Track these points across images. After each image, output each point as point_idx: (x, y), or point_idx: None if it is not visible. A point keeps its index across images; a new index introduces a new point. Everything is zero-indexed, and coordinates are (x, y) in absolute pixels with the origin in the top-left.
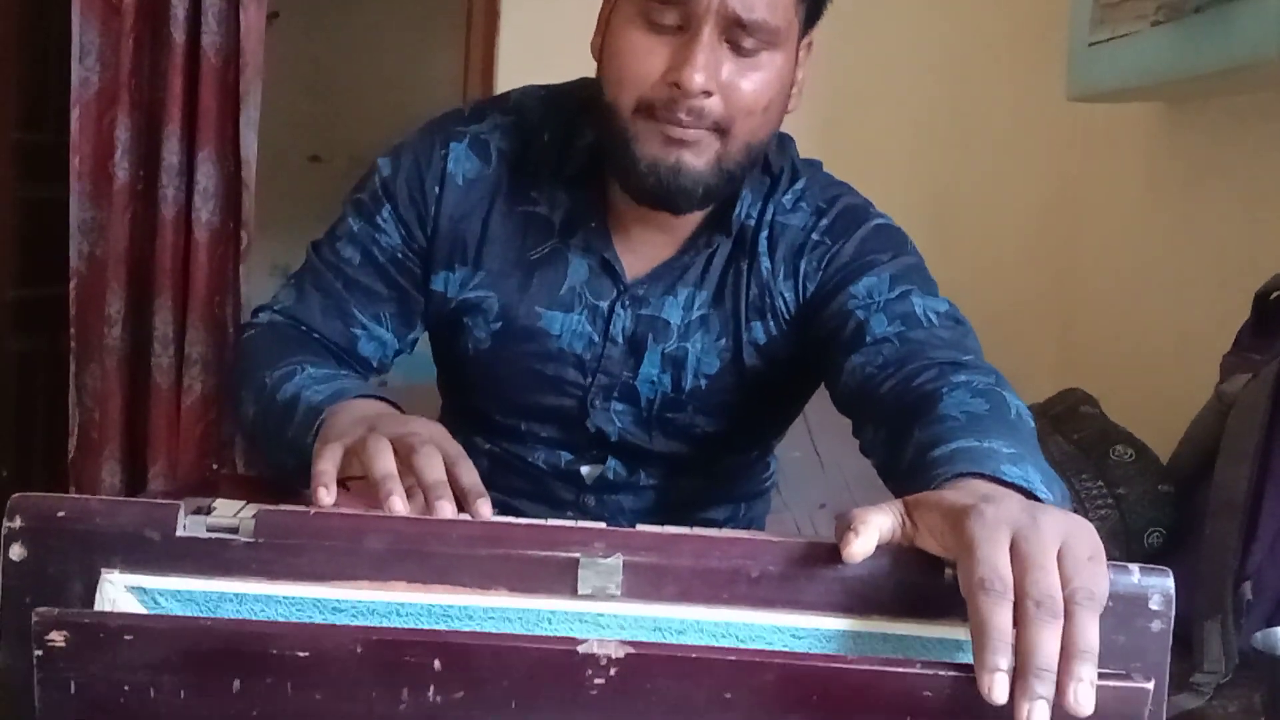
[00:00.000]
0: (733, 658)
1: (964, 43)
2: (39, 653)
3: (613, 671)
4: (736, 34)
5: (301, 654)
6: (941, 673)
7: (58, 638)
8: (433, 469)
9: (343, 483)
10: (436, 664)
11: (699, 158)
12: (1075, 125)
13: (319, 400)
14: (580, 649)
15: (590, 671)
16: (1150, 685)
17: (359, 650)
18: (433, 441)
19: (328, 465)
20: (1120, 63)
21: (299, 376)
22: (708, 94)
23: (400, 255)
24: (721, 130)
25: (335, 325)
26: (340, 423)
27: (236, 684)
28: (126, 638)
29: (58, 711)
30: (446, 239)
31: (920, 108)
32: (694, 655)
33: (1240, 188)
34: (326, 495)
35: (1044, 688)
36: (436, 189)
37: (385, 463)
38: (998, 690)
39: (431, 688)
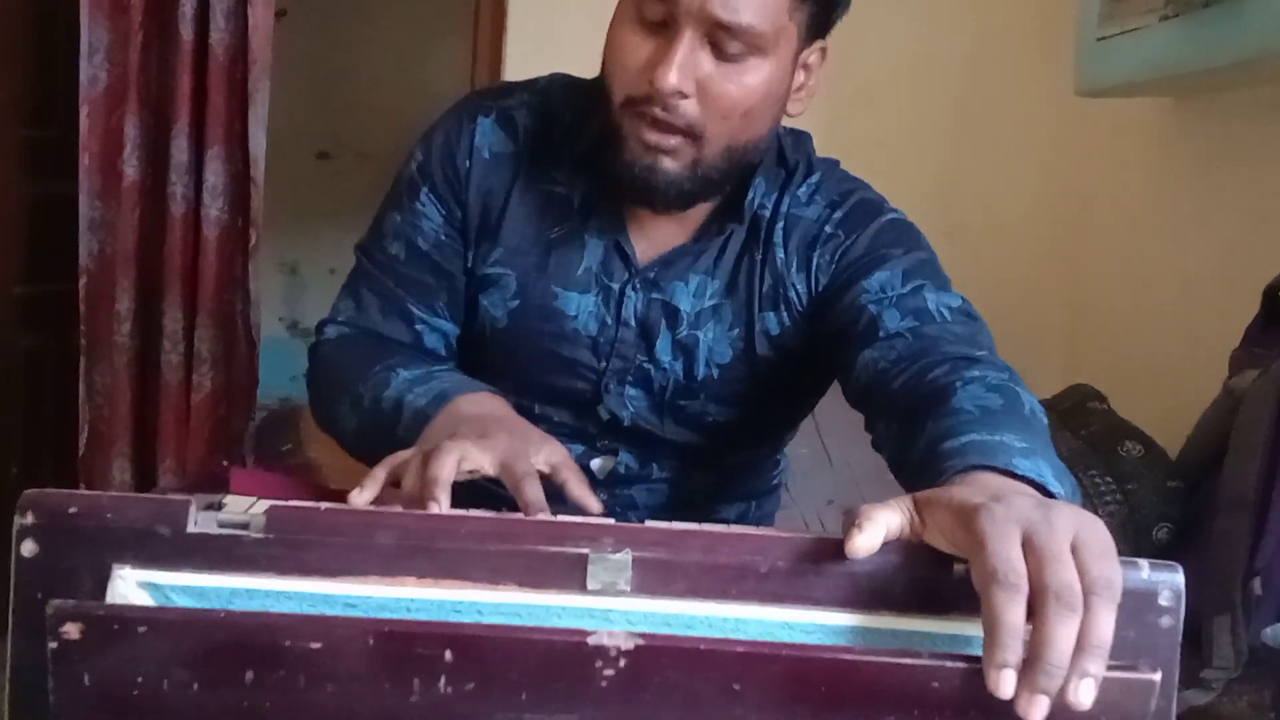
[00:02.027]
0: (741, 649)
1: (972, 38)
2: (53, 645)
3: (622, 663)
4: (720, 37)
5: (314, 645)
6: (949, 664)
7: (72, 630)
8: (439, 467)
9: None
10: (448, 655)
11: (675, 162)
12: (1084, 120)
13: (423, 404)
14: (590, 640)
15: (600, 663)
16: (1157, 677)
17: (371, 642)
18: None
19: (379, 471)
20: (1129, 57)
21: (395, 381)
22: (683, 95)
23: (445, 236)
24: (695, 134)
25: (398, 326)
26: (433, 432)
27: (249, 676)
28: (140, 630)
29: (72, 704)
30: (476, 213)
31: (928, 103)
32: (702, 647)
33: (1249, 182)
34: (358, 495)
35: (1050, 683)
36: (466, 163)
37: (437, 468)
38: (1005, 686)
39: (443, 679)
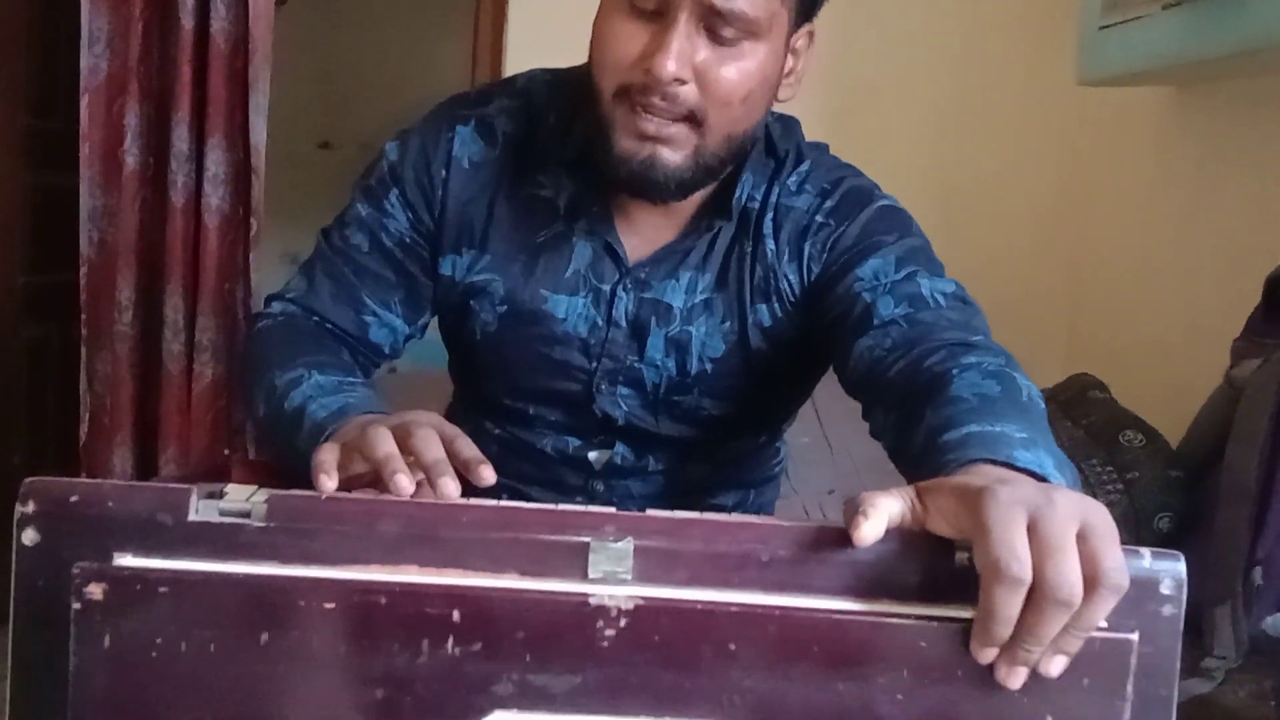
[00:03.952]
0: (736, 609)
1: (974, 26)
2: (77, 606)
3: (623, 623)
4: (714, 22)
5: (328, 605)
6: (938, 624)
7: (96, 590)
8: (431, 449)
9: (346, 484)
10: (456, 615)
11: (676, 152)
12: (1085, 109)
13: (323, 417)
14: (592, 600)
15: (601, 623)
16: (1135, 636)
17: (383, 601)
18: (429, 424)
19: (327, 455)
20: (1131, 46)
21: (306, 384)
22: (681, 82)
23: (409, 240)
24: (696, 121)
25: (346, 313)
26: (341, 428)
27: (265, 636)
28: (162, 590)
29: (91, 667)
30: (454, 222)
31: (930, 92)
32: (700, 607)
33: (1251, 172)
34: (328, 480)
35: (1030, 659)
36: (443, 172)
37: (386, 445)
38: (985, 659)
39: (450, 639)
